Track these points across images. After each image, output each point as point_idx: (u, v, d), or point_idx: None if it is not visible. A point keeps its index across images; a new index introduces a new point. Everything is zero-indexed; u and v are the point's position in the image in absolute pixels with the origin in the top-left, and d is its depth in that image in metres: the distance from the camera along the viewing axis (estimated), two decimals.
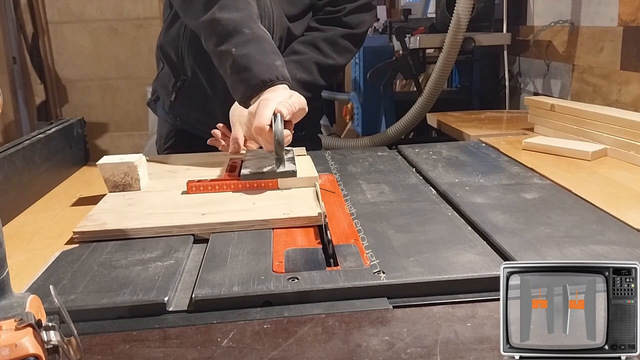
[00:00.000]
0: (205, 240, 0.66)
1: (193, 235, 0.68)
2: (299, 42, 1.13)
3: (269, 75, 0.88)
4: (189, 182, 0.81)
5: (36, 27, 3.06)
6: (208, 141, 1.04)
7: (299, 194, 0.78)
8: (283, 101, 0.84)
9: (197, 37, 1.00)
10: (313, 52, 1.11)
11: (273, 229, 0.68)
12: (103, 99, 3.15)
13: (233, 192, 0.80)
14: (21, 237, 0.72)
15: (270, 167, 0.82)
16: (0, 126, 2.94)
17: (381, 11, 3.32)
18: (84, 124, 1.12)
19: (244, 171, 0.82)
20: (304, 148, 1.00)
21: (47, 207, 0.84)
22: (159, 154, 1.26)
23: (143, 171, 0.85)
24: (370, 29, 2.80)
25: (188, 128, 1.19)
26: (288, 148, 0.89)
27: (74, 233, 0.67)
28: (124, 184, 0.83)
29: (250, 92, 0.89)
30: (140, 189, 0.83)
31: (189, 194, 0.80)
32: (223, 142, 1.03)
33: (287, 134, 0.85)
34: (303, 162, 0.89)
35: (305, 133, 1.19)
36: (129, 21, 3.06)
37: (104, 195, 0.82)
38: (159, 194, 0.81)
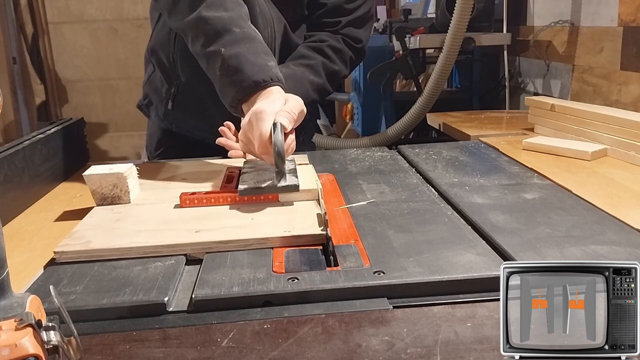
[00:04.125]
0: (199, 261, 0.61)
1: (185, 255, 0.62)
2: (305, 47, 1.11)
3: (262, 75, 0.83)
4: (182, 194, 0.75)
5: (36, 27, 3.06)
6: (217, 140, 0.97)
7: (302, 209, 0.73)
8: (280, 110, 0.78)
9: None
10: (321, 57, 1.09)
11: (273, 248, 0.63)
12: (103, 99, 3.15)
13: (230, 206, 0.74)
14: (21, 237, 0.72)
15: (270, 181, 0.76)
16: (0, 126, 2.94)
17: (381, 11, 3.32)
18: (84, 124, 1.12)
19: (241, 186, 0.75)
20: (306, 156, 0.96)
21: (47, 207, 0.84)
22: (149, 159, 1.22)
23: (133, 182, 0.79)
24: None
25: (185, 133, 1.16)
26: (290, 158, 0.84)
27: (55, 253, 0.62)
28: (112, 196, 0.77)
29: (242, 94, 0.83)
30: (130, 202, 0.78)
31: (183, 207, 0.75)
32: (233, 145, 0.96)
33: (290, 142, 0.79)
34: (305, 173, 0.83)
35: (302, 138, 1.16)
36: (129, 21, 3.07)
37: None
38: (150, 208, 0.76)
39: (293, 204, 0.74)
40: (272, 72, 0.84)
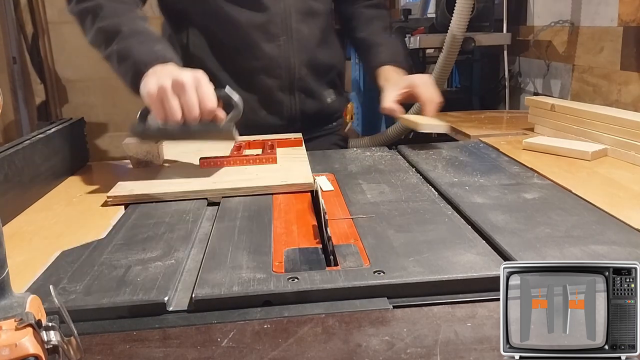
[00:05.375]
0: (217, 204, 0.79)
1: (206, 199, 0.81)
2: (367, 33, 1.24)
3: (149, 57, 0.90)
4: (201, 158, 0.94)
5: (36, 27, 3.06)
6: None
7: (296, 167, 0.91)
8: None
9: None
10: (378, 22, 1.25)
11: (273, 194, 0.81)
12: (103, 99, 3.15)
13: (239, 166, 0.93)
14: (21, 237, 0.72)
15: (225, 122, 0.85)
16: (0, 126, 2.94)
17: None
18: (84, 124, 1.12)
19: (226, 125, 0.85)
20: (304, 147, 1.05)
21: (47, 207, 0.84)
22: None
23: (162, 149, 0.98)
24: None
25: None
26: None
27: (108, 197, 0.80)
28: (146, 160, 0.96)
29: (136, 77, 0.89)
30: (161, 164, 0.97)
31: (202, 168, 0.93)
32: None
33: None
34: (299, 164, 0.94)
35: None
36: None
37: (104, 195, 0.82)
38: (177, 168, 0.95)
39: (289, 164, 0.93)
40: (159, 54, 0.91)
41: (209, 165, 0.93)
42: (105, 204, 0.81)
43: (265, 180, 0.85)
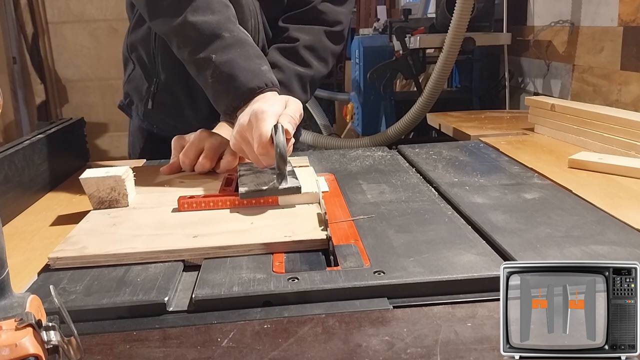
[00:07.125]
0: (197, 267, 0.59)
1: (183, 261, 0.61)
2: (279, 53, 1.02)
3: (257, 82, 0.82)
4: (180, 198, 0.74)
5: (36, 27, 3.07)
6: (161, 170, 0.92)
7: (303, 212, 0.71)
8: (283, 113, 0.77)
9: None
10: (294, 65, 1.01)
11: (273, 253, 0.61)
12: (103, 99, 3.16)
13: (229, 209, 0.73)
14: (21, 237, 0.71)
15: (271, 183, 0.73)
16: (0, 126, 2.94)
17: (381, 11, 3.32)
18: (84, 124, 1.12)
19: (241, 189, 0.73)
20: (307, 157, 0.94)
21: (47, 207, 0.84)
22: (130, 158, 1.18)
23: (131, 185, 0.78)
24: (369, 30, 2.81)
25: (166, 135, 1.08)
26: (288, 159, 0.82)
27: (49, 259, 0.60)
28: (110, 200, 0.75)
29: (237, 102, 0.82)
30: (127, 205, 0.76)
31: (181, 211, 0.73)
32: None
33: (290, 145, 0.78)
34: (305, 175, 0.81)
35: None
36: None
37: None
38: (148, 212, 0.74)
39: (294, 207, 0.73)
40: (267, 77, 0.83)
41: (189, 208, 0.73)
42: None
43: (263, 234, 0.64)
